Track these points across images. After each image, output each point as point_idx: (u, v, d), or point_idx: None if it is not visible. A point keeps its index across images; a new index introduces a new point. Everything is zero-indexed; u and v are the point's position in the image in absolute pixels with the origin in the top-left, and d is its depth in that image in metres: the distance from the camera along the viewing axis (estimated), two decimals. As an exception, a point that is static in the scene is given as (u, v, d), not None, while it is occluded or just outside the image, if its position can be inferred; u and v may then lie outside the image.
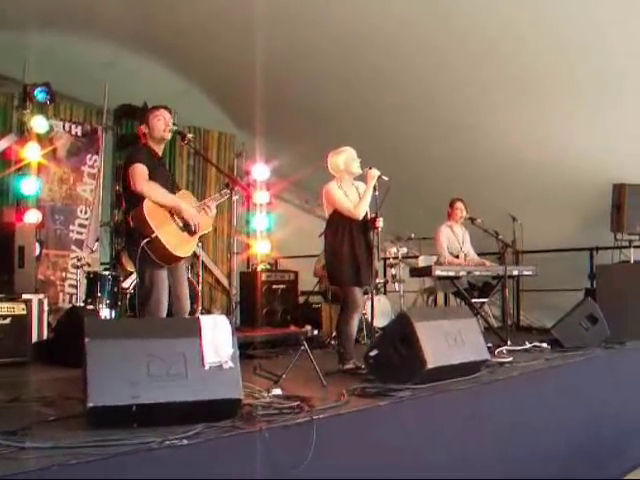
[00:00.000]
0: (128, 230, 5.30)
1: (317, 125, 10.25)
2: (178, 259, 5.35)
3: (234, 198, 6.34)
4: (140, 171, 5.27)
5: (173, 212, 5.33)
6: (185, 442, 3.28)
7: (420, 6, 8.00)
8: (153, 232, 5.11)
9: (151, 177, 5.31)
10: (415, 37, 8.60)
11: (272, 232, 12.45)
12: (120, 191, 5.65)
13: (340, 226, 6.38)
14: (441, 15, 8.10)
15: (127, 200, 5.40)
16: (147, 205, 5.18)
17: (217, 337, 3.74)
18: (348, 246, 6.30)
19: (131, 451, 3.13)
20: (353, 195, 6.47)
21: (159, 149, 5.61)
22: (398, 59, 9.06)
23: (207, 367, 3.66)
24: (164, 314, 5.33)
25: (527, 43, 8.16)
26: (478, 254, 9.24)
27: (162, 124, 5.49)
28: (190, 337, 3.74)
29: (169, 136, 5.57)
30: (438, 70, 9.10)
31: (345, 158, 6.52)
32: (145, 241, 5.11)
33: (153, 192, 5.26)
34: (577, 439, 6.21)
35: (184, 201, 5.49)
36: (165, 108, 5.59)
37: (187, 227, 5.38)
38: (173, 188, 5.63)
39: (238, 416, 3.71)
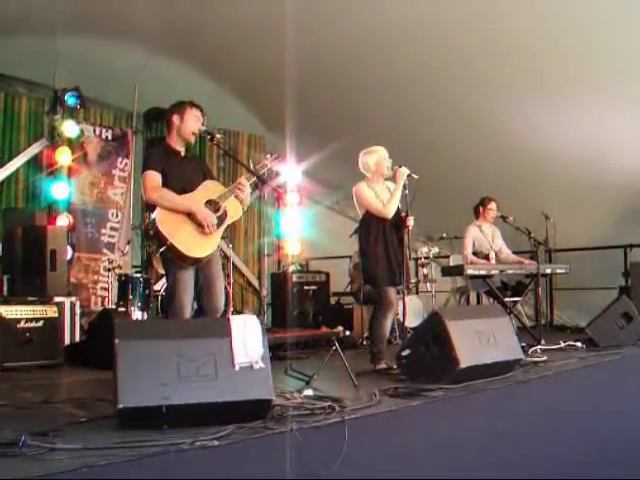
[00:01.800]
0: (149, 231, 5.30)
1: (347, 126, 10.21)
2: (197, 260, 5.28)
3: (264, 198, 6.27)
4: (150, 179, 5.24)
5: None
6: (216, 443, 3.26)
7: (443, 7, 7.95)
8: (167, 240, 5.09)
9: (169, 178, 5.28)
10: (440, 38, 8.56)
11: (303, 233, 12.44)
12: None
13: (373, 226, 6.36)
14: (465, 15, 8.05)
15: (147, 204, 5.39)
16: (159, 214, 5.16)
17: (247, 337, 3.72)
18: (382, 246, 6.29)
19: (161, 452, 3.11)
20: (384, 195, 6.45)
21: (181, 146, 5.54)
22: (427, 60, 9.01)
23: (237, 367, 3.64)
24: (187, 314, 5.26)
25: (557, 41, 8.08)
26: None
27: (195, 125, 5.45)
28: (220, 337, 3.72)
29: (192, 141, 5.53)
30: (467, 70, 9.03)
31: (377, 158, 6.50)
32: (162, 249, 5.12)
33: (162, 200, 5.20)
34: (612, 439, 6.12)
35: (200, 196, 5.38)
36: (202, 110, 5.53)
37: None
38: (204, 179, 5.55)
39: (269, 417, 3.69)
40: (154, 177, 5.25)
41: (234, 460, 3.31)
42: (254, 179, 5.62)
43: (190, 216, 5.23)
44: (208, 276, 5.45)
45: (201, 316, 5.41)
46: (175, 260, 5.18)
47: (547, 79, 8.75)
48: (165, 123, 5.59)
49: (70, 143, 9.74)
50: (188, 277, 5.29)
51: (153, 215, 5.20)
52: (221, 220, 5.38)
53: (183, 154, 5.59)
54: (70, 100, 9.62)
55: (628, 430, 6.39)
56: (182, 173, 5.41)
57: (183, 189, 5.32)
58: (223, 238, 5.87)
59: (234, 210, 5.52)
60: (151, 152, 5.58)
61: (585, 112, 9.11)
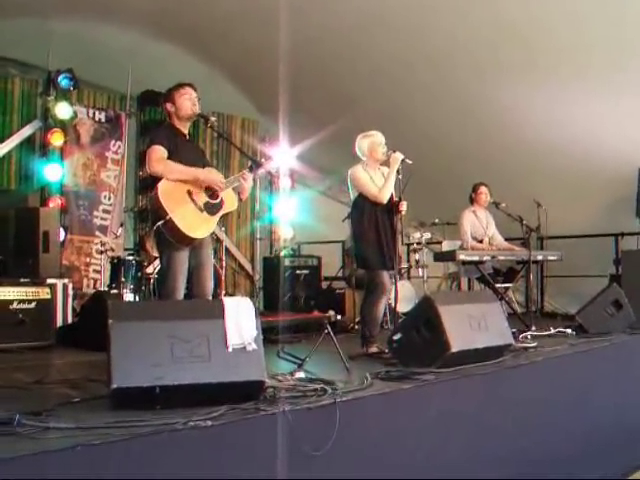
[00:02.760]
0: (145, 211, 5.30)
1: (340, 111, 10.19)
2: (193, 240, 5.30)
3: (257, 182, 6.29)
4: (156, 153, 5.23)
5: (192, 191, 5.28)
6: (209, 423, 3.28)
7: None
8: (167, 214, 5.09)
9: (174, 156, 5.28)
10: (434, 26, 8.58)
11: (295, 218, 12.46)
12: (144, 174, 5.61)
13: (366, 210, 6.37)
14: (460, 3, 8.07)
15: (150, 182, 5.35)
16: (162, 187, 5.15)
17: (240, 319, 3.73)
18: (374, 229, 6.30)
19: (155, 432, 3.13)
20: (379, 179, 6.46)
21: (185, 127, 5.57)
22: (422, 44, 9.01)
23: (230, 349, 3.66)
24: (179, 295, 5.27)
25: (549, 28, 8.09)
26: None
27: (189, 102, 5.46)
28: (213, 319, 3.73)
29: (197, 111, 5.51)
30: (462, 58, 9.06)
31: (370, 142, 6.51)
32: (160, 223, 5.10)
33: (168, 170, 5.21)
34: (601, 424, 6.17)
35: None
36: (190, 86, 5.53)
37: (207, 206, 5.35)
38: (204, 165, 5.59)
39: (261, 398, 3.71)
40: (160, 150, 5.24)
41: (226, 440, 3.34)
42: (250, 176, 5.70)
43: (191, 195, 5.26)
44: (199, 259, 5.47)
45: (189, 299, 5.42)
46: (170, 239, 5.18)
47: (540, 68, 8.77)
48: (165, 112, 5.62)
49: (63, 125, 9.73)
50: (183, 258, 5.30)
51: (154, 190, 5.18)
52: (218, 208, 5.41)
53: (187, 137, 5.63)
54: (63, 82, 9.60)
55: (617, 415, 6.44)
56: (186, 154, 5.42)
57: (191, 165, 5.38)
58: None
59: (230, 201, 5.56)
60: (158, 129, 5.60)
61: (578, 101, 9.13)
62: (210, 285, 5.57)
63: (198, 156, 5.66)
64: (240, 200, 5.72)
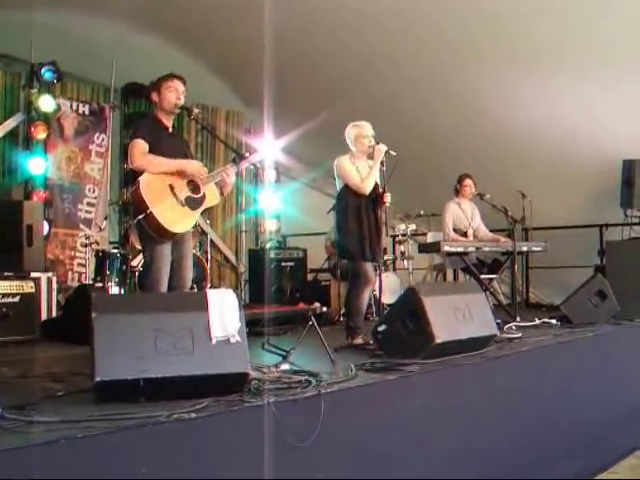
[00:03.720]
0: (127, 205, 5.29)
1: (326, 104, 10.17)
2: (174, 235, 5.30)
3: (242, 174, 6.28)
4: (138, 147, 5.22)
5: (174, 186, 5.28)
6: (193, 415, 3.28)
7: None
8: (147, 208, 5.08)
9: (155, 149, 5.26)
10: (419, 19, 8.61)
11: (280, 210, 12.45)
12: (127, 168, 5.60)
13: (350, 201, 6.37)
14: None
15: (132, 175, 5.34)
16: (144, 180, 5.14)
17: (224, 311, 3.73)
18: (357, 221, 6.30)
19: (139, 424, 3.12)
20: (364, 170, 6.45)
21: (168, 120, 5.56)
22: (406, 40, 9.04)
23: (214, 341, 3.65)
24: (163, 288, 5.28)
25: (533, 18, 8.12)
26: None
27: (173, 96, 5.44)
28: (197, 311, 3.72)
29: (180, 105, 5.50)
30: (446, 51, 9.08)
31: (356, 133, 6.51)
32: (140, 217, 5.10)
33: (151, 164, 5.21)
34: (585, 414, 6.21)
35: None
36: (180, 79, 5.52)
37: (189, 200, 5.34)
38: (186, 157, 5.61)
39: (246, 390, 3.71)
40: (142, 145, 5.23)
41: (211, 433, 3.33)
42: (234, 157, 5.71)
43: (173, 189, 5.26)
44: (181, 252, 5.50)
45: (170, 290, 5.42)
46: (151, 233, 5.17)
47: (522, 62, 8.81)
48: (148, 102, 5.59)
49: (47, 118, 9.67)
50: (165, 251, 5.30)
51: (136, 183, 5.16)
52: (199, 203, 5.41)
53: (170, 130, 5.61)
54: (47, 74, 9.53)
55: (601, 405, 6.48)
56: (168, 147, 5.41)
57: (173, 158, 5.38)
58: (201, 215, 5.89)
59: (212, 196, 5.58)
60: (140, 122, 5.59)
61: (560, 94, 9.17)
62: (190, 278, 5.61)
63: (181, 149, 5.65)
64: (222, 195, 5.73)
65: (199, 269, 9.00)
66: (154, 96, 5.49)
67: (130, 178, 5.35)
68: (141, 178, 5.14)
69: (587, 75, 8.74)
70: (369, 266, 6.32)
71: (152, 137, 5.28)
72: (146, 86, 8.36)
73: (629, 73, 8.56)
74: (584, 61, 8.55)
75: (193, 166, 5.43)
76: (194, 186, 5.38)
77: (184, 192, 5.32)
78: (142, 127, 5.41)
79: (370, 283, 6.41)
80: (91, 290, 7.45)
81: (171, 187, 5.26)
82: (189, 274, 5.58)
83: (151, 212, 5.08)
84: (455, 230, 8.87)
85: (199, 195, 5.41)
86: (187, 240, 5.56)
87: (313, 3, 8.64)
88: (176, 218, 5.25)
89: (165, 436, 3.17)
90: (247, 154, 6.06)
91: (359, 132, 6.50)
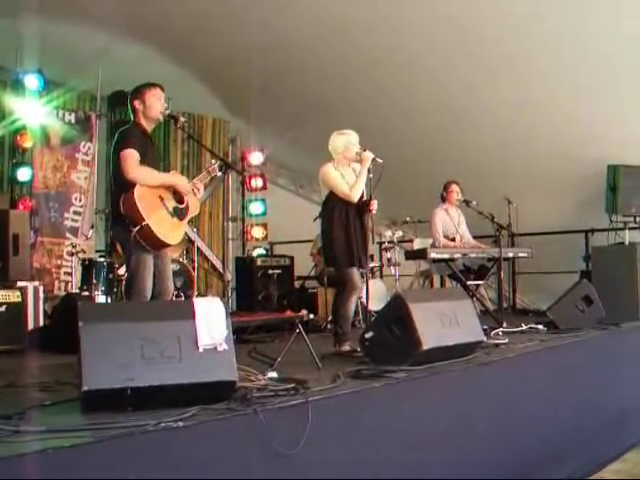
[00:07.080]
0: (118, 215, 5.22)
1: (312, 112, 10.23)
2: (168, 246, 5.33)
3: (228, 183, 6.30)
4: (131, 158, 5.15)
5: (163, 197, 5.27)
6: (180, 424, 3.27)
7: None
8: (144, 220, 5.05)
9: (143, 159, 5.22)
10: (406, 26, 8.66)
11: (267, 217, 12.46)
12: (111, 175, 5.54)
13: (336, 208, 6.37)
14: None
15: (118, 184, 5.27)
16: (138, 192, 5.09)
17: (211, 319, 3.72)
18: (343, 228, 6.30)
19: (126, 433, 3.11)
20: (350, 177, 6.46)
21: (150, 128, 5.52)
22: (393, 47, 9.08)
23: (201, 349, 3.64)
24: (148, 297, 5.27)
25: (520, 24, 8.18)
26: (473, 237, 9.21)
27: (159, 103, 5.40)
28: (184, 319, 3.72)
29: (167, 112, 5.45)
30: (430, 57, 9.13)
31: (346, 141, 6.50)
32: (136, 229, 5.06)
33: (146, 177, 5.19)
34: (571, 419, 6.22)
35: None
36: (160, 87, 5.46)
37: (177, 211, 5.35)
38: (162, 168, 5.62)
39: (233, 398, 3.70)
40: (135, 155, 5.16)
41: (198, 441, 3.33)
42: (209, 177, 5.72)
43: (163, 200, 5.26)
44: (162, 260, 5.50)
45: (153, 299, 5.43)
46: (144, 245, 5.16)
47: (509, 65, 8.86)
48: (130, 109, 5.55)
49: (32, 126, 9.63)
50: (150, 260, 5.28)
51: (130, 194, 5.10)
52: (185, 213, 5.45)
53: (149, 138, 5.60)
54: (33, 83, 9.51)
55: (588, 410, 6.50)
56: (152, 157, 5.43)
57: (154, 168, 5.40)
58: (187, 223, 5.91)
59: (194, 205, 5.61)
60: (129, 132, 5.40)
61: (545, 100, 9.22)
62: (172, 286, 5.64)
63: (158, 157, 5.70)
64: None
65: (186, 277, 9.00)
66: (136, 104, 5.41)
67: (119, 185, 5.24)
68: (135, 190, 5.08)
69: (572, 81, 8.79)
70: (356, 273, 6.33)
71: (141, 147, 5.25)
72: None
73: (615, 79, 8.62)
74: (570, 67, 8.59)
75: (183, 183, 5.44)
76: (179, 196, 5.40)
77: (172, 203, 5.33)
78: (132, 136, 5.30)
79: (357, 290, 6.41)
80: (78, 299, 7.43)
81: (161, 198, 5.26)
82: (171, 283, 5.61)
83: (147, 224, 5.05)
84: (443, 236, 8.89)
85: (184, 205, 5.43)
86: (166, 249, 5.56)
87: (300, 12, 8.66)
88: (169, 229, 5.26)
89: (152, 445, 3.16)
90: (232, 162, 6.07)
91: (350, 140, 6.50)
